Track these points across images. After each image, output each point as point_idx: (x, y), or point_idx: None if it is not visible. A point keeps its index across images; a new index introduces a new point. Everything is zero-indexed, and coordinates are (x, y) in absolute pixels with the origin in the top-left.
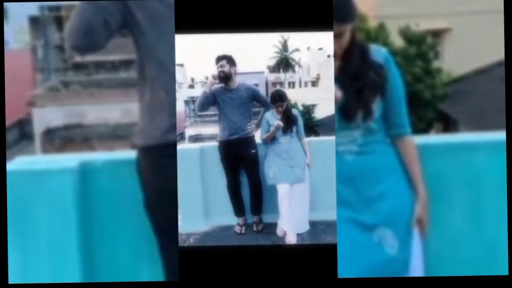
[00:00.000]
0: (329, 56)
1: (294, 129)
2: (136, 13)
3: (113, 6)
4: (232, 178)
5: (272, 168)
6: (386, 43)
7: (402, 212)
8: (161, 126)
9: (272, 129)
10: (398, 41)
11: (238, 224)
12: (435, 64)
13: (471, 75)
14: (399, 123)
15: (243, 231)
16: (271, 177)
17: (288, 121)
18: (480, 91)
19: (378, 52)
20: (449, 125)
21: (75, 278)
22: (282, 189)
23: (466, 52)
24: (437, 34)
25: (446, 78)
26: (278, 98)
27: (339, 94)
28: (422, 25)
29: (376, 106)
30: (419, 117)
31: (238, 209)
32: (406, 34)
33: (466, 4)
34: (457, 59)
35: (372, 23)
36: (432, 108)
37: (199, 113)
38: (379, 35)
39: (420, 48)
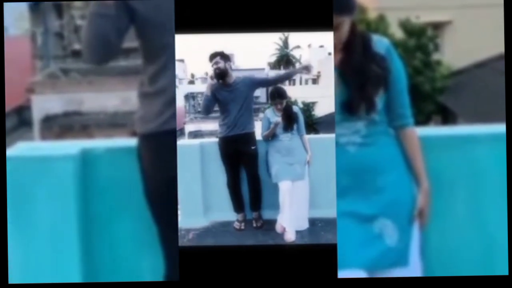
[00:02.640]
0: (329, 53)
1: (295, 126)
2: (138, 7)
3: (120, 10)
4: (232, 175)
5: (273, 166)
6: (386, 35)
7: (403, 203)
8: (162, 113)
9: (272, 126)
10: (398, 33)
11: (238, 220)
12: (435, 56)
13: (471, 68)
14: (401, 114)
15: (242, 227)
16: (273, 175)
17: (288, 118)
18: (479, 84)
19: (380, 43)
20: (448, 117)
21: (75, 266)
22: (284, 186)
23: (466, 45)
24: (437, 26)
25: (446, 70)
26: (277, 95)
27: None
28: (423, 17)
29: (379, 99)
30: (418, 110)
31: (238, 205)
32: (406, 26)
33: None
34: (457, 52)
35: (372, 15)
36: (431, 100)
37: (207, 115)
38: (379, 26)
39: (420, 40)
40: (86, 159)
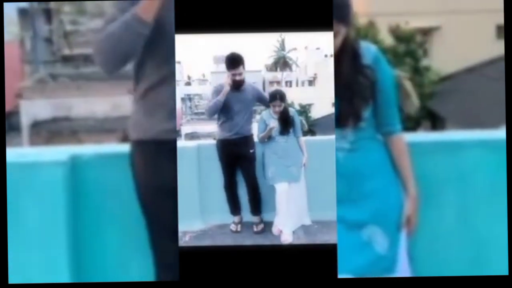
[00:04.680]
0: (326, 55)
1: (291, 130)
2: (167, 25)
3: (151, 31)
4: (229, 177)
5: (270, 168)
6: (375, 41)
7: (390, 210)
8: (160, 121)
9: (268, 129)
10: (387, 39)
11: (234, 222)
12: (424, 62)
13: (459, 73)
14: (388, 121)
15: (238, 229)
16: (270, 177)
17: (285, 122)
18: (468, 89)
19: (367, 51)
20: (436, 123)
21: (64, 271)
22: (280, 188)
23: (455, 51)
24: (426, 32)
25: (435, 76)
26: (278, 97)
27: None
28: (412, 23)
29: (366, 110)
30: (407, 115)
31: (235, 208)
32: (396, 32)
33: (456, 3)
34: (445, 58)
35: (362, 21)
36: (420, 106)
37: (210, 118)
38: (369, 32)
39: (409, 46)
40: (75, 165)
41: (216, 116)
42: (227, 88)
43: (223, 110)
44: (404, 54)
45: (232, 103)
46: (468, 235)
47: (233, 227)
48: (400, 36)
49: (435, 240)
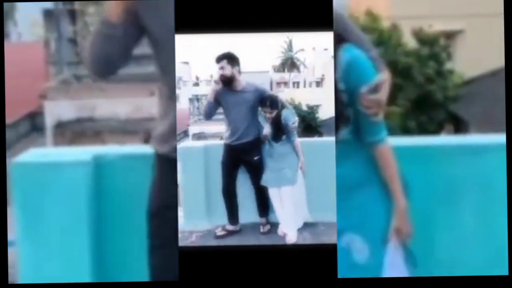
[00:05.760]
0: (333, 56)
1: (284, 137)
2: (149, 23)
3: (128, 30)
4: (228, 183)
5: (265, 171)
6: (399, 44)
7: (375, 220)
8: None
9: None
10: (411, 42)
11: (222, 227)
12: (448, 65)
13: (483, 77)
14: (371, 130)
15: (219, 233)
16: (265, 180)
17: (277, 129)
18: (491, 93)
19: (341, 62)
20: (460, 126)
21: (86, 273)
22: (272, 193)
23: (478, 54)
24: (450, 35)
25: (458, 79)
26: (269, 104)
27: None
28: (435, 27)
29: (345, 126)
30: (430, 118)
31: (232, 216)
32: (419, 35)
33: (480, 6)
34: (469, 61)
35: (386, 24)
36: (443, 109)
37: (208, 120)
38: (392, 35)
39: (433, 49)
40: (98, 165)
41: (222, 116)
42: (214, 86)
43: (225, 114)
44: (427, 57)
45: (230, 106)
46: (490, 237)
47: (218, 230)
48: (424, 39)
49: (456, 241)
